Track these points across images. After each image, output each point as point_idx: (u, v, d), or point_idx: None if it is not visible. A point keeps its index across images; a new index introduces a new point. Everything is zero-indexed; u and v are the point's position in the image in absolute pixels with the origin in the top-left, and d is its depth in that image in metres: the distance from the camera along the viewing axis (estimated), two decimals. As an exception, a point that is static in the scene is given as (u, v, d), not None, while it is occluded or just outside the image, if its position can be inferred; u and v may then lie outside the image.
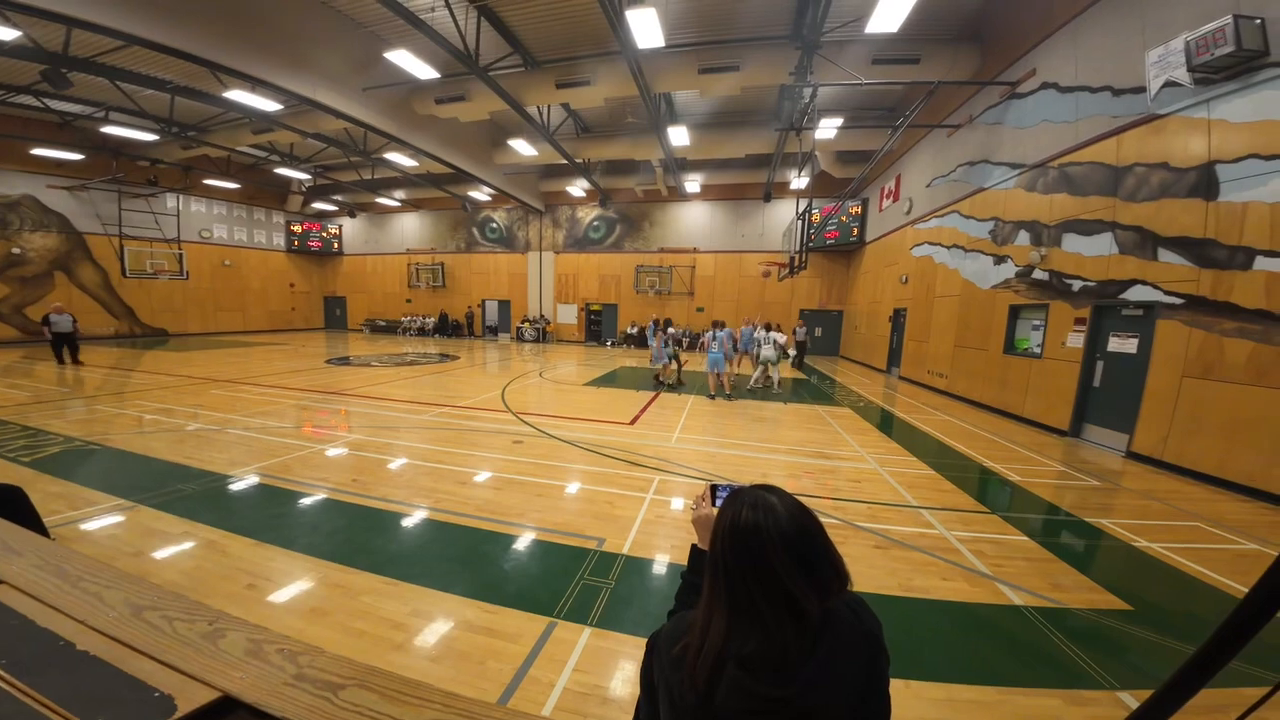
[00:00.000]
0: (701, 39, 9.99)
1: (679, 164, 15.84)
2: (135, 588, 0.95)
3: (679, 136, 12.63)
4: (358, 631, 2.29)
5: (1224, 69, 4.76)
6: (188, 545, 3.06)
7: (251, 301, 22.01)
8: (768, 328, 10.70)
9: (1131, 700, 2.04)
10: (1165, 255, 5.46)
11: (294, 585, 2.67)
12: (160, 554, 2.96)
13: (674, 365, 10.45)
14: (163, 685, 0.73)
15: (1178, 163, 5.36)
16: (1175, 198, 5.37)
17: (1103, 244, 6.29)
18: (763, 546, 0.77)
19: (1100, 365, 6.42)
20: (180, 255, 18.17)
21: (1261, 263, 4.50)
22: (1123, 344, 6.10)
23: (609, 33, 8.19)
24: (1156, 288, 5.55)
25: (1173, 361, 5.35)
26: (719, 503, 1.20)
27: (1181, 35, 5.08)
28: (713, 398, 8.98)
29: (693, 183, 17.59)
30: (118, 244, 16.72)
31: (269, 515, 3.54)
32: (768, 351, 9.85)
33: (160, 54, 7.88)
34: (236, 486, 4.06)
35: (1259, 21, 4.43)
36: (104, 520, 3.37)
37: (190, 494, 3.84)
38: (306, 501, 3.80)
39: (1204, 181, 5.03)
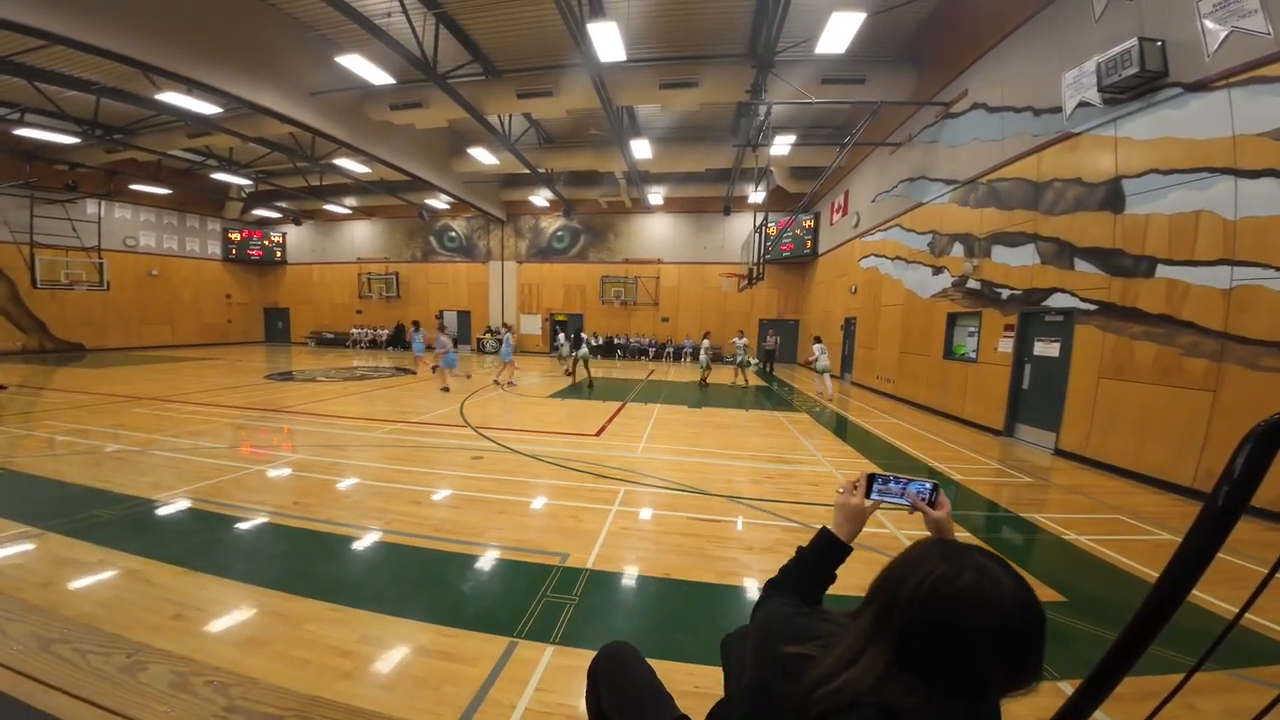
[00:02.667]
0: (662, 54, 10.25)
1: (642, 176, 16.07)
2: (42, 620, 0.87)
3: (641, 149, 12.84)
4: (301, 661, 2.14)
5: (1130, 89, 5.27)
6: (105, 575, 2.78)
7: (181, 313, 20.46)
8: (740, 335, 12.60)
9: (1070, 689, 2.17)
10: (1080, 264, 5.97)
11: (228, 615, 2.47)
12: (74, 584, 2.68)
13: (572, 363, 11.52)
14: (73, 723, 0.67)
15: (1089, 178, 5.88)
16: (1088, 211, 5.88)
17: (1027, 254, 6.82)
18: (972, 627, 0.65)
19: (1028, 368, 6.93)
20: (100, 265, 16.69)
21: (1162, 270, 5.01)
22: (1046, 348, 6.60)
23: (571, 45, 8.27)
24: (1074, 295, 6.04)
25: (1090, 364, 5.82)
26: (877, 496, 1.10)
27: (1093, 57, 5.57)
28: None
29: (656, 195, 17.89)
30: (28, 253, 15.19)
31: (199, 541, 3.28)
32: (703, 358, 11.97)
33: (87, 54, 7.28)
34: (162, 511, 3.73)
35: (1160, 44, 4.94)
36: (6, 549, 3.02)
37: (107, 520, 3.50)
38: (243, 526, 3.54)
39: (1112, 195, 5.56)
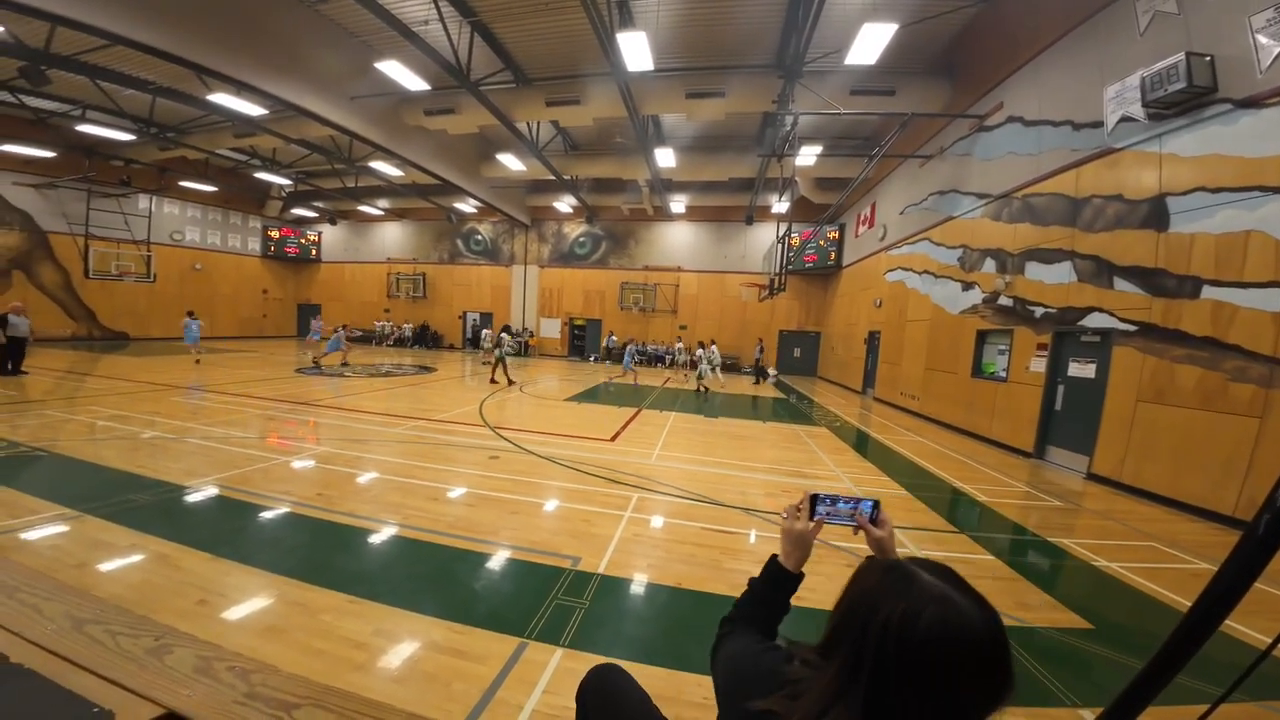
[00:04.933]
0: (690, 64, 10.31)
1: (665, 184, 16.15)
2: (76, 600, 0.90)
3: (665, 158, 12.91)
4: (316, 651, 2.19)
5: (1176, 105, 5.08)
6: (136, 558, 2.89)
7: (221, 307, 21.30)
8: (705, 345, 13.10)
9: (1091, 717, 2.08)
10: (1120, 284, 5.75)
11: (250, 602, 2.54)
12: (106, 566, 2.80)
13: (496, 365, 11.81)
14: (103, 701, 0.69)
15: (1131, 195, 5.68)
16: (1129, 228, 5.68)
17: (1062, 272, 6.60)
18: (946, 664, 0.60)
19: (1061, 389, 6.68)
20: (148, 257, 17.56)
21: (1208, 291, 4.79)
22: (1082, 369, 6.36)
23: (600, 54, 8.40)
24: (1112, 315, 5.82)
25: (1128, 386, 5.60)
26: (819, 515, 1.07)
27: (1137, 72, 5.41)
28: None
29: (678, 203, 17.94)
30: (83, 244, 16.06)
31: (226, 529, 3.39)
32: (703, 366, 12.34)
33: (146, 55, 7.73)
34: (192, 498, 3.87)
35: (1209, 59, 4.76)
36: (46, 530, 3.17)
37: (141, 505, 3.65)
38: (267, 515, 3.65)
39: (1155, 213, 5.35)
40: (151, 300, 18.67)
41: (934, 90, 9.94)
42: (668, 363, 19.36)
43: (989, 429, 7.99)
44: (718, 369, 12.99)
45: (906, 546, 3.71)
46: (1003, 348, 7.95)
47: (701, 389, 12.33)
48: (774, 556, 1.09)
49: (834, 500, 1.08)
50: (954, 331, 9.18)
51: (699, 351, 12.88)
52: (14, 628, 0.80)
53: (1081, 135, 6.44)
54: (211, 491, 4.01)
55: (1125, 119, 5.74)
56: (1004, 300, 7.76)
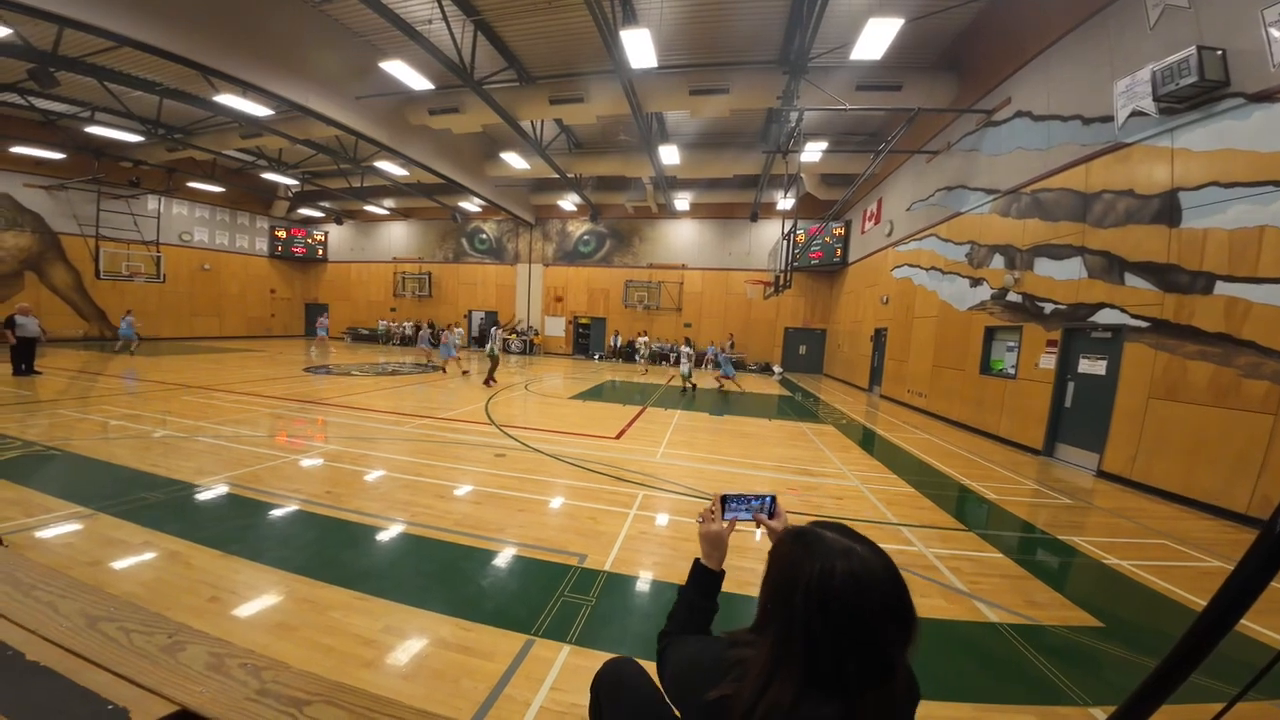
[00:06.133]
0: (693, 61, 10.27)
1: (669, 182, 16.12)
2: (91, 598, 0.91)
3: (669, 155, 12.87)
4: (326, 648, 2.21)
5: (1187, 99, 5.01)
6: (149, 555, 2.93)
7: (229, 307, 21.52)
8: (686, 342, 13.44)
9: (1102, 716, 2.06)
10: (1131, 280, 5.69)
11: (260, 599, 2.57)
12: (119, 564, 2.83)
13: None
14: (117, 698, 0.70)
15: (1143, 190, 5.61)
16: (1140, 224, 5.61)
17: (1073, 268, 6.53)
18: (864, 610, 0.68)
19: (1071, 386, 6.62)
20: (158, 258, 17.75)
21: (1221, 287, 4.73)
22: (1092, 366, 6.30)
23: (604, 51, 8.38)
24: (1124, 311, 5.76)
25: (1139, 383, 5.54)
26: (730, 515, 1.19)
27: (1148, 66, 5.34)
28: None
29: (682, 201, 17.89)
30: (93, 245, 16.26)
31: (236, 526, 3.42)
32: (684, 365, 12.19)
33: (152, 56, 7.80)
34: (203, 496, 3.92)
35: (1220, 53, 4.69)
36: (60, 528, 3.22)
37: (154, 503, 3.70)
38: (277, 513, 3.68)
39: (1167, 208, 5.29)
40: (161, 300, 18.89)
41: (941, 85, 9.84)
42: (673, 360, 19.32)
43: (997, 426, 7.93)
44: (727, 368, 12.64)
45: (914, 545, 3.70)
46: (1011, 344, 7.88)
47: (688, 386, 12.10)
48: (697, 560, 1.18)
49: (741, 500, 1.19)
50: (962, 328, 9.11)
51: (682, 349, 12.88)
52: (30, 625, 0.81)
53: (1091, 130, 6.36)
54: (222, 489, 4.05)
55: (1136, 113, 5.66)
56: (1013, 296, 7.69)
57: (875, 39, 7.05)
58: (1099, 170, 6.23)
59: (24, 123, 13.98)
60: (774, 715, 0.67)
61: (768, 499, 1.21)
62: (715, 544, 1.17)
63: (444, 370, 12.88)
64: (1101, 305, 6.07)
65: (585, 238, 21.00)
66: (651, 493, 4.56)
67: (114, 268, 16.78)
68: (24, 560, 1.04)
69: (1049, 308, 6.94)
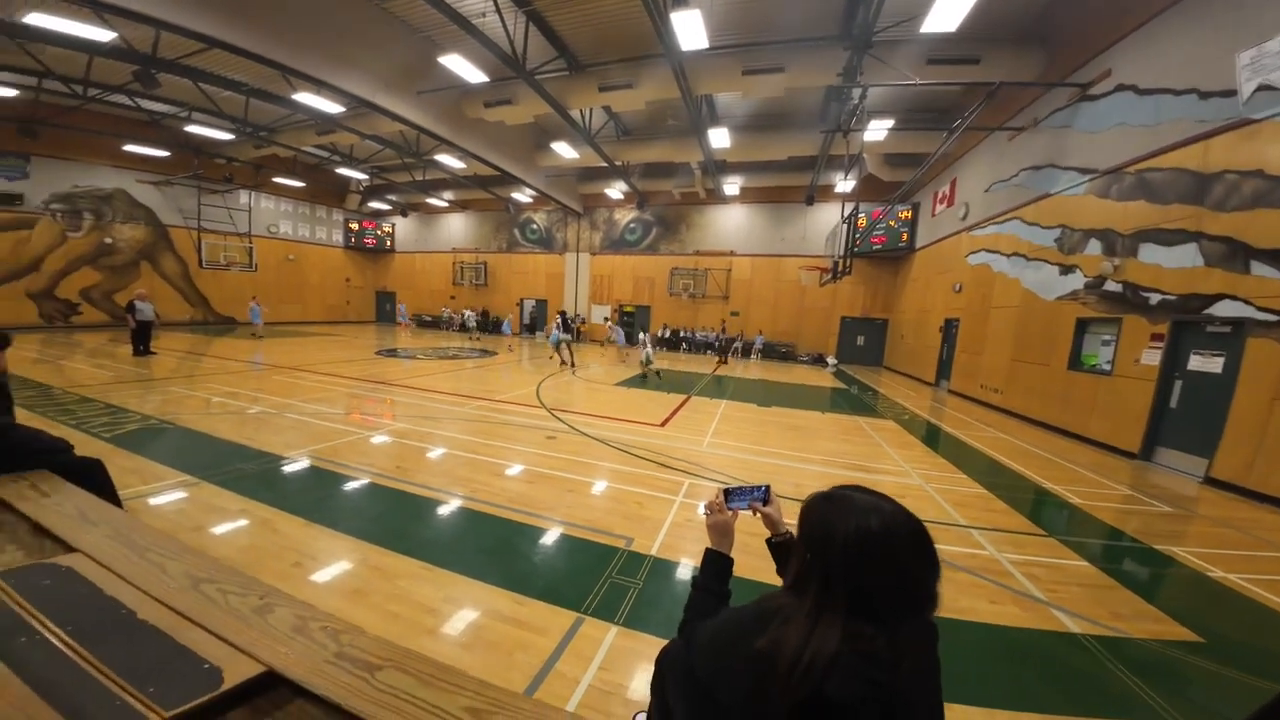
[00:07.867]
0: (746, 40, 9.84)
1: (718, 166, 15.69)
2: (195, 561, 1.01)
3: (719, 139, 12.51)
4: (393, 614, 2.37)
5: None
6: (243, 522, 3.26)
7: (310, 294, 23.36)
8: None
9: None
10: (1258, 268, 4.97)
11: (336, 565, 2.79)
12: (218, 529, 3.16)
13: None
14: (212, 657, 0.77)
15: (1274, 170, 4.89)
16: (1272, 207, 4.89)
17: (1185, 255, 5.78)
18: (899, 553, 0.78)
19: (1178, 384, 5.89)
20: (251, 249, 19.53)
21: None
22: (1206, 362, 5.58)
23: (653, 36, 8.20)
24: (1248, 303, 5.05)
25: (1264, 382, 4.86)
26: (734, 506, 1.32)
27: (1277, 36, 4.64)
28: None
29: (732, 185, 17.37)
30: (196, 236, 18.14)
31: (317, 497, 3.73)
32: (646, 350, 11.68)
33: (237, 56, 8.54)
34: (290, 468, 4.30)
35: None
36: (170, 495, 3.62)
37: (248, 473, 4.10)
38: (352, 485, 3.98)
39: (1306, 189, 4.53)
40: (254, 288, 20.80)
41: (1026, 57, 8.89)
42: (717, 347, 18.99)
43: (1085, 426, 7.21)
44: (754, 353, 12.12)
45: (985, 549, 3.44)
46: (1108, 338, 7.11)
47: (648, 373, 11.34)
48: (708, 549, 1.29)
49: (743, 492, 1.34)
50: (1048, 319, 8.31)
51: (641, 336, 12.91)
52: (143, 585, 0.91)
53: (1209, 105, 5.58)
54: (305, 462, 4.43)
55: (1264, 87, 4.92)
56: (1111, 286, 6.91)
57: (950, 9, 6.47)
58: (1220, 148, 5.46)
59: (133, 122, 15.63)
60: (824, 653, 0.72)
61: (763, 488, 1.35)
62: (724, 532, 1.28)
63: (559, 361, 12.62)
64: (1220, 296, 5.33)
65: (631, 225, 20.94)
66: (698, 481, 4.53)
67: (214, 257, 18.62)
68: (140, 524, 1.16)
69: (1155, 298, 6.18)
